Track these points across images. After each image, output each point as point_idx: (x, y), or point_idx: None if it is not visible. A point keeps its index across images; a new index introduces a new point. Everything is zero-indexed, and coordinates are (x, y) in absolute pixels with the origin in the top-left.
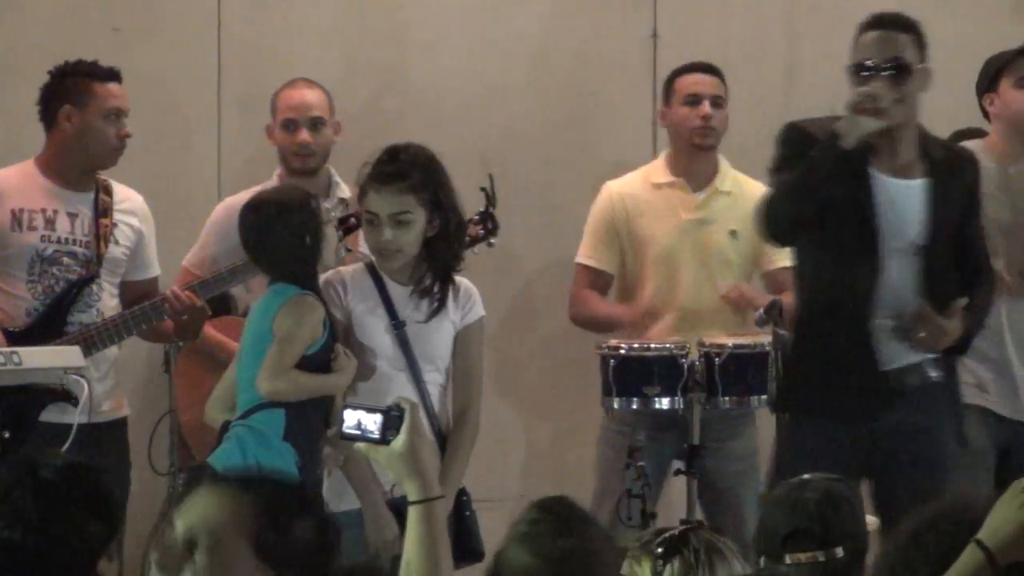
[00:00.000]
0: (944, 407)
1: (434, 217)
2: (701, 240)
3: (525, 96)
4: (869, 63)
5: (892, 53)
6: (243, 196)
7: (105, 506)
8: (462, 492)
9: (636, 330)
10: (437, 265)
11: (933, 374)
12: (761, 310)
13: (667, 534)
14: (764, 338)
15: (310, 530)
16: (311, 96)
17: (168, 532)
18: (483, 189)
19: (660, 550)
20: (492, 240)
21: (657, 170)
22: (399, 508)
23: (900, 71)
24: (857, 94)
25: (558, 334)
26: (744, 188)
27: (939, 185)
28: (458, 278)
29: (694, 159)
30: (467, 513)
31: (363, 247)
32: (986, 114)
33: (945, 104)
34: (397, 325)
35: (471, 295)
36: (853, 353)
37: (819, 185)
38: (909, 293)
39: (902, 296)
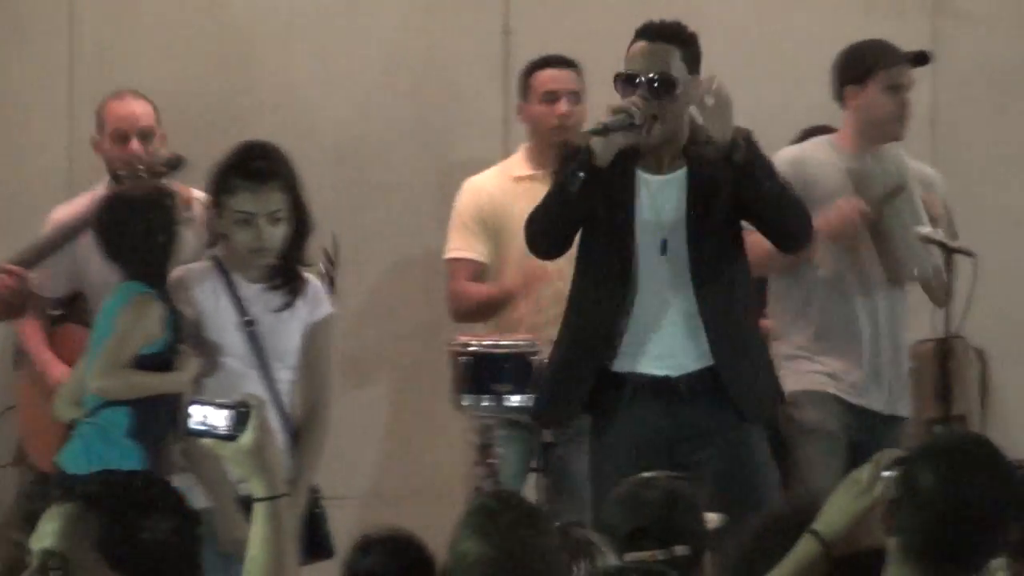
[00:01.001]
0: (708, 412)
1: (292, 215)
2: None
3: (376, 93)
4: (633, 75)
5: (658, 68)
6: (67, 208)
7: None
8: (312, 489)
9: (525, 293)
10: (288, 262)
11: (687, 386)
12: None
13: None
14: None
15: (163, 531)
16: (140, 108)
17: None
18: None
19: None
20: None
21: (517, 164)
22: (246, 505)
23: (663, 86)
24: (610, 109)
25: (410, 332)
26: None
27: (700, 172)
28: (307, 275)
29: (554, 153)
30: (316, 510)
31: None
32: (840, 99)
33: (797, 99)
34: (247, 323)
35: (320, 292)
36: (598, 356)
37: (573, 204)
38: (670, 293)
39: (663, 297)
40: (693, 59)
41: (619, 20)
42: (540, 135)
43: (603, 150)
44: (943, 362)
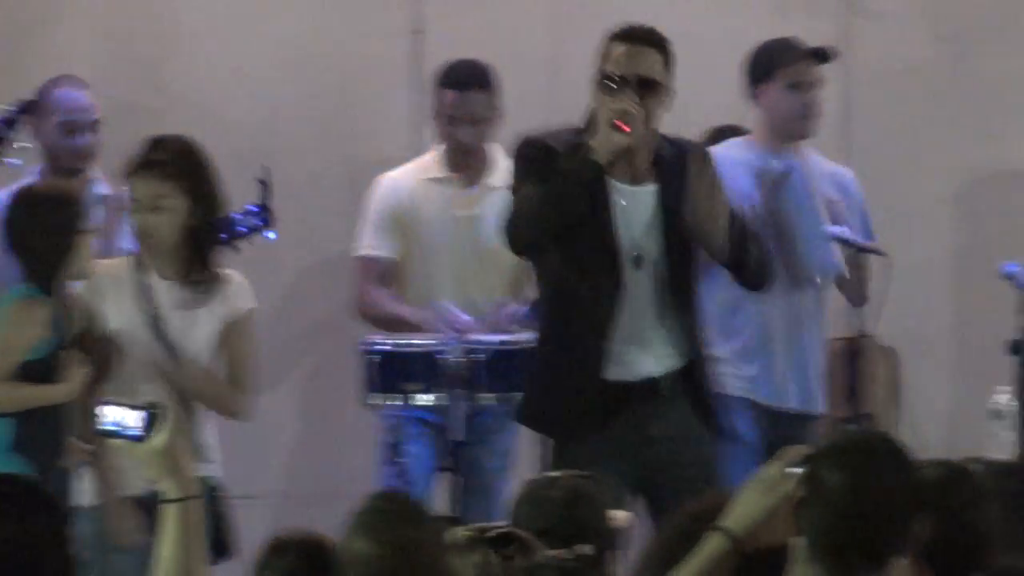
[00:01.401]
0: (689, 414)
1: (196, 207)
2: (473, 236)
3: (285, 92)
4: (618, 76)
5: (642, 69)
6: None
7: None
8: (214, 488)
9: (421, 328)
10: (201, 256)
11: (668, 389)
12: (524, 308)
13: (495, 530)
14: (528, 335)
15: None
16: (89, 98)
17: None
18: (260, 180)
19: (488, 544)
20: (270, 232)
21: (431, 165)
22: (148, 506)
23: (649, 88)
24: (612, 110)
25: (319, 331)
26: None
27: (669, 188)
28: (228, 271)
29: (467, 156)
30: (221, 510)
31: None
32: (751, 98)
33: (709, 98)
34: (156, 319)
35: (241, 287)
36: (589, 365)
37: (570, 200)
38: (647, 304)
39: (641, 307)
40: (668, 64)
41: (529, 19)
42: (453, 140)
43: (604, 148)
44: (853, 361)
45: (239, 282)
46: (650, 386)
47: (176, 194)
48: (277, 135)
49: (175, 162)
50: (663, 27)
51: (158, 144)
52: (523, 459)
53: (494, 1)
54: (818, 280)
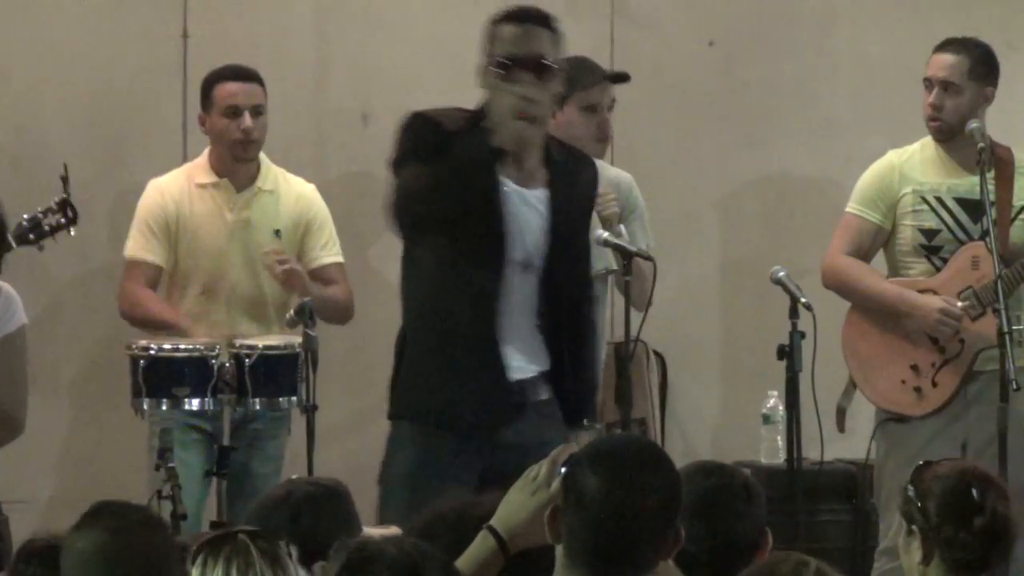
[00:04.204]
0: (558, 421)
1: None
2: (246, 240)
3: (53, 98)
4: (515, 58)
5: (536, 49)
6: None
7: None
8: None
9: (184, 333)
10: None
11: (546, 393)
12: (292, 311)
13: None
14: (295, 339)
15: None
16: None
17: None
18: (62, 177)
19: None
20: (72, 229)
21: (200, 170)
22: None
23: (546, 71)
24: (517, 97)
25: (90, 335)
26: (285, 186)
27: (559, 194)
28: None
29: (239, 161)
30: None
31: None
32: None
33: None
34: None
35: (12, 301)
36: (475, 364)
37: (464, 186)
38: (530, 308)
39: (524, 310)
40: (558, 44)
41: (295, 23)
42: (223, 146)
43: (510, 141)
44: (622, 365)
45: (11, 296)
46: (517, 390)
47: None
48: (43, 142)
49: None
50: (426, 32)
51: None
52: (294, 463)
53: (258, 4)
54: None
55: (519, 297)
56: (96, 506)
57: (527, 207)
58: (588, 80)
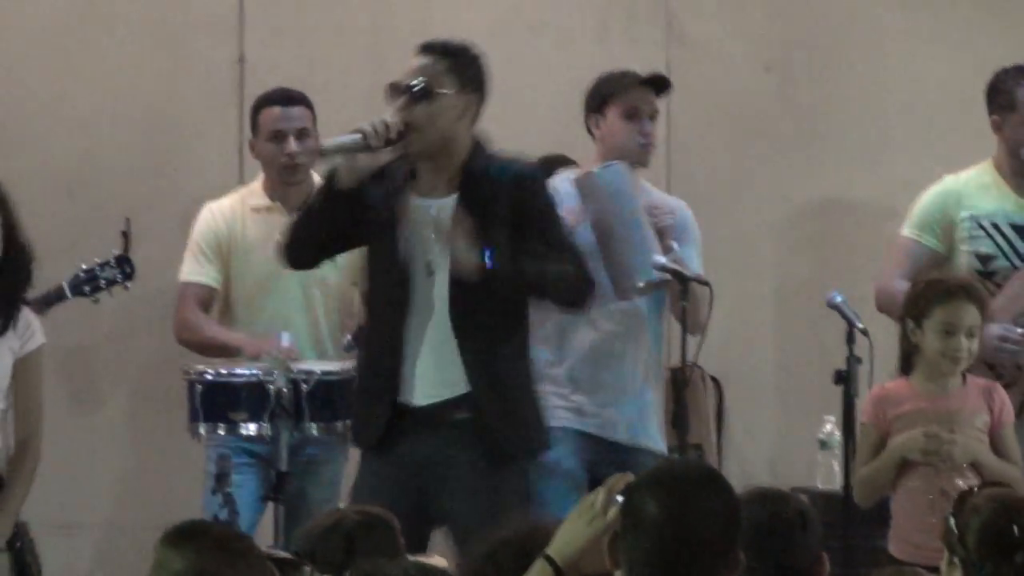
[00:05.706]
0: (473, 443)
1: None
2: None
3: (108, 124)
4: (396, 84)
5: (417, 78)
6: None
7: None
8: (18, 524)
9: (242, 352)
10: (2, 292)
11: (461, 414)
12: (349, 336)
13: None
14: (352, 364)
15: None
16: None
17: None
18: (123, 232)
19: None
20: (128, 284)
21: (254, 193)
22: None
23: (421, 93)
24: (357, 132)
25: (147, 359)
26: None
27: (472, 203)
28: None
29: (288, 184)
30: (19, 544)
31: None
32: (591, 131)
33: (531, 127)
34: None
35: (30, 323)
36: (381, 383)
37: (319, 224)
38: (439, 322)
39: (433, 324)
40: (463, 75)
41: (352, 48)
42: (272, 170)
43: (346, 173)
44: (679, 391)
45: (31, 318)
46: (433, 411)
47: None
48: (101, 168)
49: None
50: (487, 58)
51: None
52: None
53: (315, 29)
54: (640, 284)
55: (427, 309)
56: (186, 526)
57: (427, 216)
58: (622, 85)
